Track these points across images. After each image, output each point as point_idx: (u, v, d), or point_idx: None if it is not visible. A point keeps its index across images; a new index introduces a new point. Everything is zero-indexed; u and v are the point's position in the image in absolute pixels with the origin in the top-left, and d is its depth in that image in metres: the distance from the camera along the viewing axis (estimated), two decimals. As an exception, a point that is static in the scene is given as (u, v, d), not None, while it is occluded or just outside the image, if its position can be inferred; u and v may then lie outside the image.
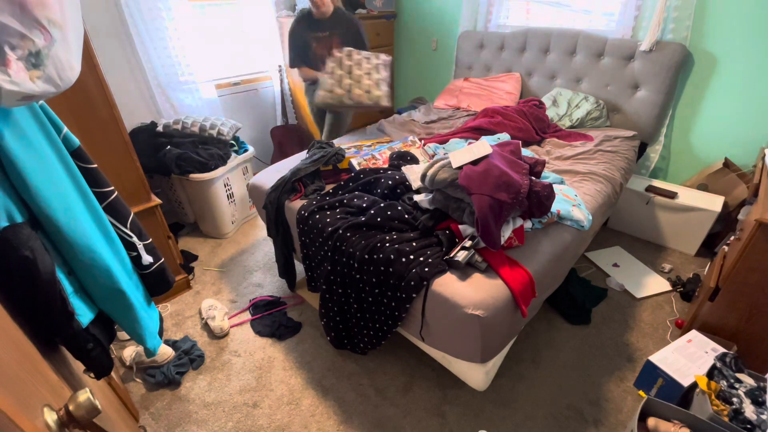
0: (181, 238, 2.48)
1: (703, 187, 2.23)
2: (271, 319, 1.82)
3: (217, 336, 1.75)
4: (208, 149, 2.25)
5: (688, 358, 1.38)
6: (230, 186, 2.42)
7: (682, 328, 1.70)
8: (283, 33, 2.96)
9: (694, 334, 1.47)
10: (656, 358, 1.40)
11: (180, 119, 2.29)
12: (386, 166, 1.81)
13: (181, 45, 2.43)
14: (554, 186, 1.67)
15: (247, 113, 3.08)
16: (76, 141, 0.86)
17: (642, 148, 2.35)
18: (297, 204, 1.63)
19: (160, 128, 2.28)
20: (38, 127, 0.75)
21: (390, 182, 1.58)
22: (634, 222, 2.33)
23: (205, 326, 1.81)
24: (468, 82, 2.89)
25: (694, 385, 1.29)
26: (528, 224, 1.38)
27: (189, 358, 1.63)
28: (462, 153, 1.35)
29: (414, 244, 1.31)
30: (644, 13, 2.20)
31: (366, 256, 1.31)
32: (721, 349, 1.39)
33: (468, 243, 1.26)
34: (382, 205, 1.47)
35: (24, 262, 0.65)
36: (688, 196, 2.15)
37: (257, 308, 1.88)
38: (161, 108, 2.50)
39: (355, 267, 1.34)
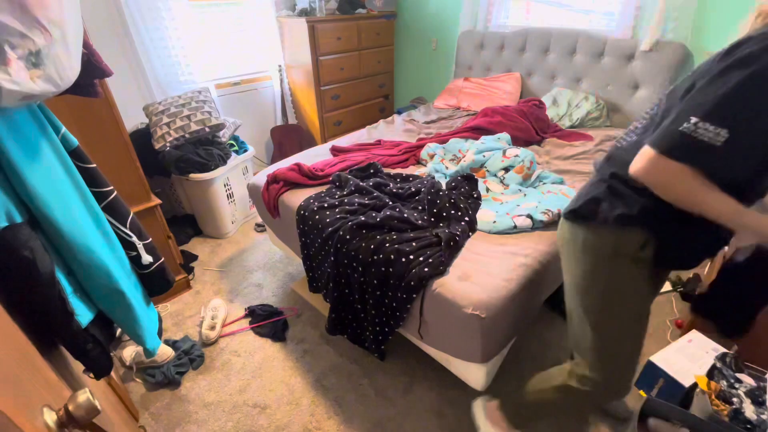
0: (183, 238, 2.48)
1: (703, 187, 2.23)
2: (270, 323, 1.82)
3: (203, 342, 1.73)
4: (208, 149, 2.25)
5: (689, 358, 1.38)
6: (230, 186, 2.42)
7: (682, 328, 1.70)
8: (283, 33, 2.96)
9: (694, 334, 1.47)
10: (657, 359, 1.40)
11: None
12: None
13: (181, 45, 2.43)
14: (554, 186, 1.67)
15: (247, 113, 3.08)
16: (75, 141, 0.86)
17: (642, 148, 2.34)
18: (296, 203, 1.62)
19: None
20: (37, 127, 0.75)
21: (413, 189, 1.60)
22: (634, 222, 2.32)
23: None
24: (468, 81, 2.89)
25: (695, 386, 1.29)
26: (528, 223, 1.38)
27: (189, 358, 1.63)
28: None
29: (414, 244, 1.31)
30: (644, 12, 2.19)
31: (369, 259, 1.31)
32: (722, 349, 1.39)
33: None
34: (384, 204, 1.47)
35: (23, 263, 0.65)
36: (688, 196, 2.14)
37: (254, 314, 1.86)
38: (161, 108, 2.50)
39: (358, 269, 1.34)
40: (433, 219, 1.45)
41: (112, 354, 1.13)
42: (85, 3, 2.06)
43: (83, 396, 0.54)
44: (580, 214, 0.91)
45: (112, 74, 0.88)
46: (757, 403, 1.18)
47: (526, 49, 2.66)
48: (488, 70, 2.90)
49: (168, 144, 2.15)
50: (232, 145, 2.48)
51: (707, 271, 1.92)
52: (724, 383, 1.26)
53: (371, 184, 1.67)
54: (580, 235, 0.92)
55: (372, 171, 1.81)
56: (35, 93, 0.65)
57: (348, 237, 1.37)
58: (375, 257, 1.29)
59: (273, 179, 1.77)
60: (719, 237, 0.83)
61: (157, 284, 1.06)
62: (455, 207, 1.47)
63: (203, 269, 2.21)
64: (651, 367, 1.39)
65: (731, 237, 0.84)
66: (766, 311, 1.39)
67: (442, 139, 2.14)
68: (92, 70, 0.83)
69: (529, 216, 1.39)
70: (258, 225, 2.58)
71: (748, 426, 1.13)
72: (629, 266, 0.87)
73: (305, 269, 1.68)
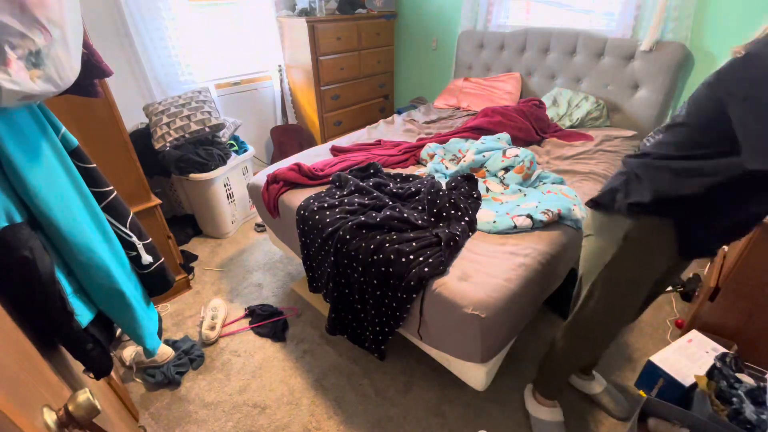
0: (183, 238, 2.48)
1: (703, 187, 2.23)
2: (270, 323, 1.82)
3: (203, 342, 1.73)
4: (208, 149, 2.25)
5: (689, 358, 1.38)
6: (230, 186, 2.42)
7: (682, 328, 1.70)
8: (283, 33, 2.96)
9: (694, 333, 1.47)
10: (657, 359, 1.40)
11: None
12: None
13: (181, 45, 2.43)
14: (554, 185, 1.67)
15: (247, 113, 3.08)
16: (75, 141, 0.86)
17: (642, 148, 2.34)
18: (296, 202, 1.62)
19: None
20: (36, 127, 0.75)
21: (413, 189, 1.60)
22: (634, 222, 2.32)
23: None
24: (468, 81, 2.89)
25: (695, 386, 1.29)
26: (528, 223, 1.39)
27: (189, 358, 1.63)
28: None
29: (414, 244, 1.31)
30: (644, 12, 2.19)
31: (369, 259, 1.31)
32: (722, 349, 1.39)
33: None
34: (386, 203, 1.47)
35: (23, 262, 0.65)
36: (688, 196, 2.14)
37: (254, 314, 1.86)
38: (161, 108, 2.50)
39: (358, 270, 1.34)
40: (433, 219, 1.45)
41: (112, 354, 1.13)
42: (84, 3, 2.07)
43: (83, 396, 0.54)
44: (599, 203, 1.04)
45: (112, 74, 0.88)
46: (757, 403, 1.18)
47: (526, 48, 2.66)
48: (488, 70, 2.90)
49: (168, 144, 2.15)
50: (232, 145, 2.48)
51: (707, 270, 1.92)
52: (724, 383, 1.26)
53: (371, 184, 1.67)
54: (598, 220, 1.06)
55: (372, 171, 1.81)
56: (35, 93, 0.65)
57: (348, 237, 1.37)
58: (375, 257, 1.29)
59: (273, 179, 1.77)
60: (740, 222, 0.88)
61: (157, 284, 1.06)
62: (455, 207, 1.47)
63: (203, 269, 2.21)
64: (651, 367, 1.39)
65: (756, 221, 0.90)
66: (764, 313, 1.39)
67: (442, 139, 2.14)
68: (92, 69, 0.83)
69: (529, 216, 1.39)
70: (258, 225, 2.58)
71: (748, 426, 1.13)
72: (638, 250, 0.97)
73: (305, 269, 1.68)
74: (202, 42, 2.65)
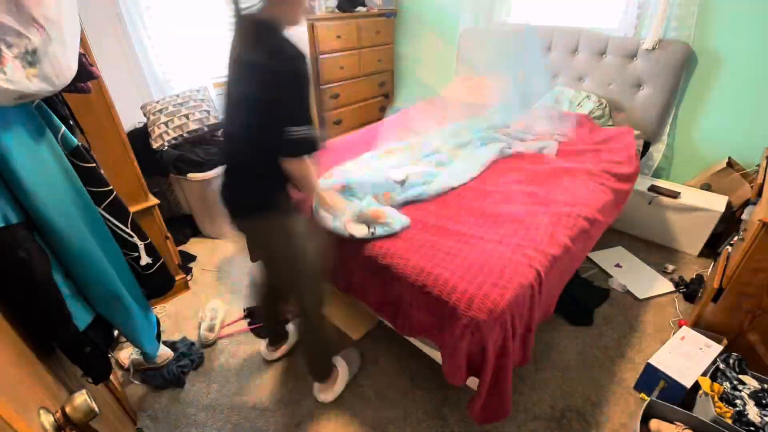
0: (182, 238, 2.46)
1: (706, 186, 2.22)
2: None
3: (202, 343, 1.72)
4: (206, 149, 2.24)
5: (685, 356, 1.38)
6: (230, 185, 2.40)
7: (684, 329, 1.69)
8: (283, 31, 2.94)
9: (686, 330, 1.48)
10: (656, 361, 1.39)
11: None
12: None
13: (179, 43, 2.41)
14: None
15: (247, 112, 3.05)
16: (74, 141, 0.85)
17: (645, 148, 2.33)
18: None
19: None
20: (33, 127, 0.74)
21: None
22: (636, 222, 2.31)
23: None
24: (469, 80, 2.88)
25: (697, 386, 1.28)
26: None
27: (189, 359, 1.62)
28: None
29: None
30: (647, 11, 2.18)
31: None
32: (714, 344, 1.40)
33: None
34: None
35: (19, 264, 0.64)
36: (691, 196, 2.14)
37: (253, 315, 1.84)
38: (161, 107, 2.48)
39: None
40: None
41: (109, 355, 1.12)
42: (82, 2, 2.05)
43: (80, 398, 0.54)
44: None
45: (99, 77, 0.88)
46: (761, 405, 1.17)
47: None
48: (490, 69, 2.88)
49: (166, 143, 2.14)
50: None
51: (710, 271, 1.91)
52: (727, 385, 1.25)
53: None
54: None
55: None
56: (31, 92, 0.64)
57: None
58: None
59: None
60: None
61: (159, 285, 1.06)
62: None
63: (201, 270, 2.20)
64: (651, 369, 1.39)
65: None
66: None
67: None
68: (81, 72, 0.82)
69: None
70: (258, 225, 2.56)
71: (752, 428, 1.12)
72: None
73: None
74: (201, 40, 2.63)
